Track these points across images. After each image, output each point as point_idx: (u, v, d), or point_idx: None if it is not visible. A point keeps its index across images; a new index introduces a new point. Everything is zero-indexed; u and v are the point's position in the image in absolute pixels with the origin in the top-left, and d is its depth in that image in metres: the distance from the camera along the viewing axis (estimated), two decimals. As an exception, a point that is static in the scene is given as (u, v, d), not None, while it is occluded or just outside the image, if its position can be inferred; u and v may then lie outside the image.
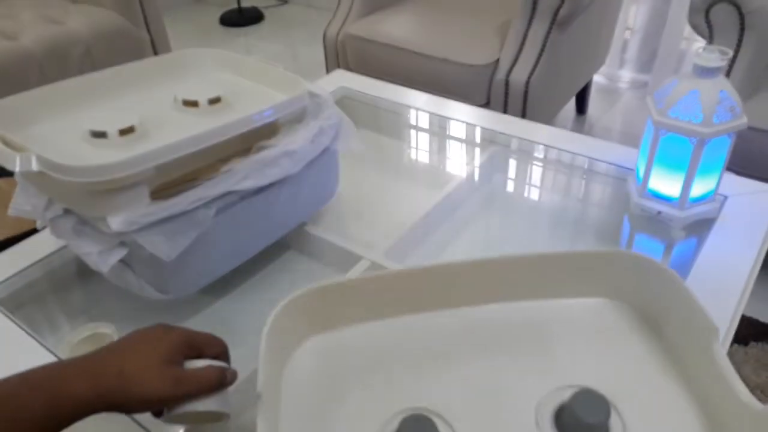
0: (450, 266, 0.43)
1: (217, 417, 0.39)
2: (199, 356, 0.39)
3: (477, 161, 0.80)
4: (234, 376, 0.40)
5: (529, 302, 0.42)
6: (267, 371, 0.39)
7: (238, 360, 0.42)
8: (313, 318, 0.43)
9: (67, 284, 0.63)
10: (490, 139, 0.82)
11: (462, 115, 0.86)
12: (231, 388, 0.40)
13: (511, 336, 0.41)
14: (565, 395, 0.35)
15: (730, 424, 0.32)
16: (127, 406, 0.36)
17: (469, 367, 0.40)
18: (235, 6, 2.71)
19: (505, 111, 1.42)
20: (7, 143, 0.48)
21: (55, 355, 0.50)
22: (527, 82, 1.36)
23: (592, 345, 0.38)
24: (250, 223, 0.56)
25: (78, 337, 0.50)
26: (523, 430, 0.35)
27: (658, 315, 0.40)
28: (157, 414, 0.39)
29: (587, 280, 0.41)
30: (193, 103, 0.56)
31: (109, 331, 0.50)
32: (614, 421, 0.35)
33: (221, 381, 0.38)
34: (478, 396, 0.38)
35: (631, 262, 0.40)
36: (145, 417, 0.45)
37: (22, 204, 0.55)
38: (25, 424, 0.33)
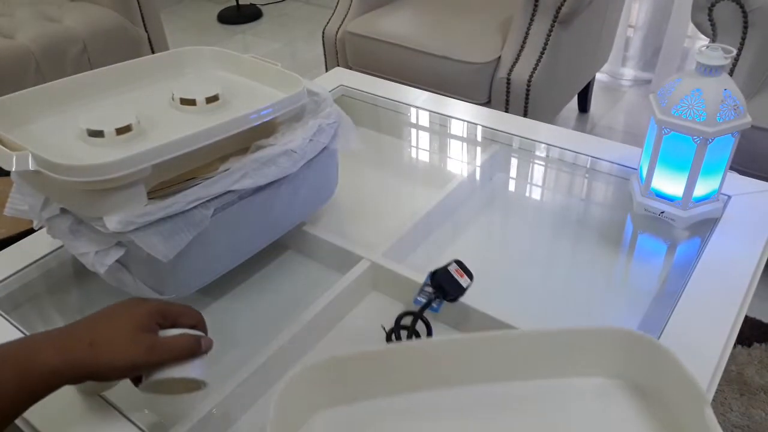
0: (457, 341, 0.43)
1: (194, 386, 0.39)
2: (173, 326, 0.39)
3: (478, 160, 0.79)
4: (209, 344, 0.39)
5: (539, 380, 0.42)
6: None
7: (235, 360, 0.41)
8: (326, 390, 0.42)
9: (63, 285, 0.62)
10: (491, 138, 0.81)
11: (463, 114, 0.85)
12: (211, 366, 0.39)
13: (515, 415, 0.40)
14: None
15: None
16: (99, 374, 0.36)
17: None
18: (233, 3, 2.70)
19: (506, 109, 1.42)
20: (3, 142, 0.48)
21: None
22: (529, 80, 1.36)
23: (591, 424, 0.38)
24: (249, 222, 0.55)
25: None
26: None
27: (654, 388, 0.41)
28: (136, 382, 0.39)
29: (583, 358, 0.41)
30: (191, 102, 0.56)
31: None
32: None
33: (195, 348, 0.38)
34: None
35: (626, 339, 0.40)
36: (142, 417, 0.45)
37: (19, 204, 0.55)
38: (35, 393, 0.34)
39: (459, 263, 0.53)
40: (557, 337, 0.41)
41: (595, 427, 0.37)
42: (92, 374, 0.36)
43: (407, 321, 0.52)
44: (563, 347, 0.41)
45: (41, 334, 0.37)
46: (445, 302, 0.52)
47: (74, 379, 0.35)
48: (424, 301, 0.52)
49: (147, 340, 0.37)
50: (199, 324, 0.41)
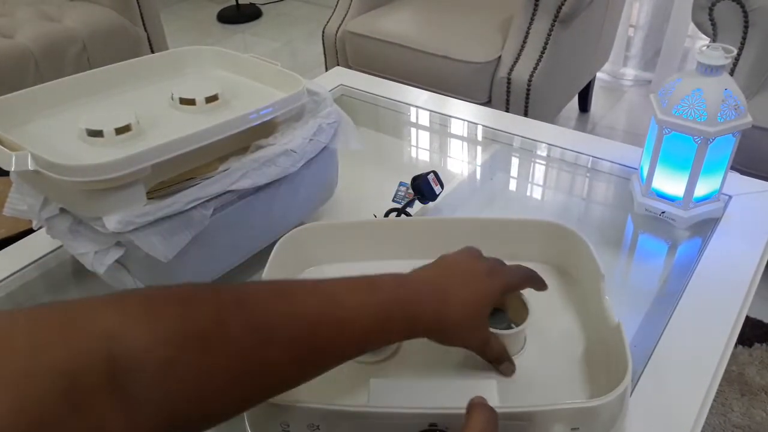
0: (419, 222, 0.57)
1: None
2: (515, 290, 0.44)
3: (478, 160, 0.79)
4: (512, 371, 0.43)
5: None
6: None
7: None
8: (320, 250, 0.52)
9: (62, 285, 0.62)
10: (491, 137, 0.81)
11: (463, 114, 0.85)
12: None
13: None
14: None
15: (603, 336, 0.44)
16: (446, 343, 0.40)
17: None
18: (233, 3, 2.70)
19: (507, 109, 1.42)
20: (2, 142, 0.48)
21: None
22: (529, 80, 1.36)
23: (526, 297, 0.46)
24: (248, 222, 0.55)
25: None
26: None
27: (571, 269, 0.52)
28: None
29: (521, 246, 0.52)
30: (191, 102, 0.56)
31: None
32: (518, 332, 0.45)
33: (507, 370, 0.43)
34: None
35: (552, 229, 0.52)
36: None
37: (18, 204, 0.55)
38: (391, 334, 0.37)
39: (435, 174, 0.64)
40: (503, 225, 0.53)
41: (529, 297, 0.45)
42: (442, 342, 0.40)
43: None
44: (507, 234, 0.52)
45: (418, 279, 0.40)
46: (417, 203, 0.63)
47: (427, 336, 0.39)
48: (404, 202, 0.63)
49: (485, 333, 0.41)
50: (539, 285, 0.45)
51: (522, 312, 0.45)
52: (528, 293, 0.46)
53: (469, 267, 0.42)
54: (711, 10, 1.21)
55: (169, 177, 0.52)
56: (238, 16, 2.67)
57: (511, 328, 0.44)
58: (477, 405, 0.33)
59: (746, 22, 1.18)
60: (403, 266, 0.52)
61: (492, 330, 0.43)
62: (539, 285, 0.45)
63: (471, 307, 0.39)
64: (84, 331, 0.25)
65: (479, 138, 0.83)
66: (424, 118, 0.88)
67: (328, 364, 0.35)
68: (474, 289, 0.40)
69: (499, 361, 0.43)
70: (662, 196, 0.63)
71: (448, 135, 0.86)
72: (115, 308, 0.27)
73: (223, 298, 0.30)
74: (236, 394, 0.30)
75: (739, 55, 1.20)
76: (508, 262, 0.52)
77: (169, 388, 0.26)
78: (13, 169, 0.45)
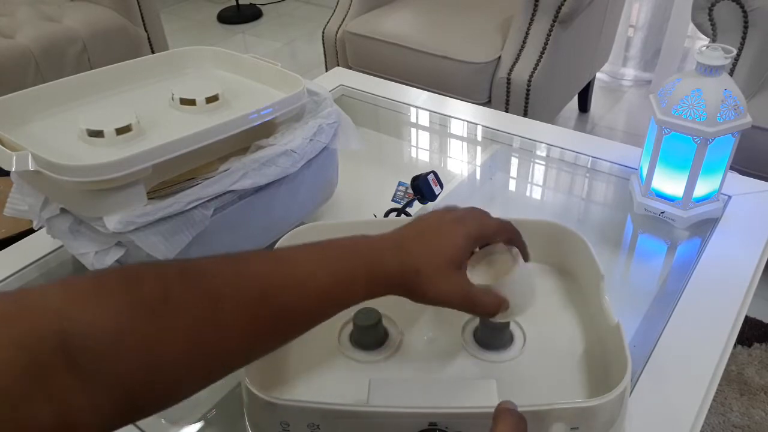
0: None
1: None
2: (487, 243, 0.41)
3: (478, 160, 0.79)
4: (507, 306, 0.40)
5: None
6: None
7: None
8: None
9: (64, 284, 0.62)
10: (491, 137, 0.81)
11: (463, 114, 0.85)
12: None
13: None
14: None
15: (602, 336, 0.44)
16: (413, 299, 0.37)
17: None
18: (233, 3, 2.70)
19: (506, 109, 1.42)
20: (3, 142, 0.48)
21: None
22: (529, 80, 1.36)
23: None
24: (248, 222, 0.55)
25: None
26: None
27: (570, 269, 0.52)
28: None
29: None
30: (191, 102, 0.56)
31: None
32: (517, 332, 0.47)
33: (495, 312, 0.39)
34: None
35: (552, 230, 0.52)
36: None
37: (18, 204, 0.55)
38: (353, 287, 0.35)
39: (435, 174, 0.64)
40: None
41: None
42: (408, 296, 0.37)
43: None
44: None
45: (377, 237, 0.38)
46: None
47: (394, 292, 0.37)
48: (403, 201, 0.63)
49: (462, 285, 0.38)
50: (514, 239, 0.42)
51: (513, 265, 0.41)
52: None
53: (437, 218, 0.40)
54: (710, 10, 1.21)
55: (170, 177, 0.52)
56: (238, 16, 2.67)
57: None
58: (504, 411, 0.31)
59: (746, 22, 1.18)
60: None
61: (481, 284, 0.39)
62: (518, 242, 0.42)
63: (438, 255, 0.37)
64: (36, 310, 0.26)
65: (479, 138, 0.83)
66: (424, 119, 0.88)
67: (287, 329, 0.33)
68: (441, 238, 0.38)
69: (492, 311, 0.39)
70: (662, 196, 0.63)
71: (448, 135, 0.86)
72: (64, 289, 0.27)
73: (166, 270, 0.30)
74: (191, 362, 0.29)
75: (738, 55, 1.20)
76: None
77: (120, 359, 0.27)
78: (13, 169, 0.45)
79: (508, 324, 0.46)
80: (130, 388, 0.27)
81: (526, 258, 0.42)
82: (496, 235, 0.41)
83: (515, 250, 0.41)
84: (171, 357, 0.28)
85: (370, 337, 0.46)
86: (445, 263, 0.37)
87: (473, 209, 0.42)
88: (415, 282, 0.37)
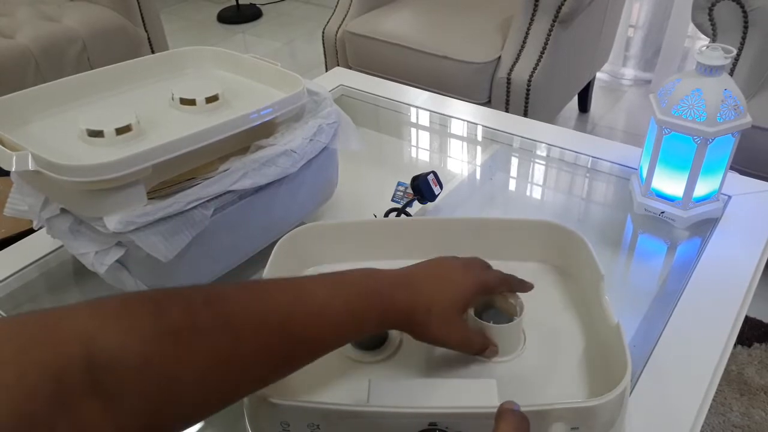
0: (418, 222, 0.58)
1: None
2: (491, 292, 0.45)
3: (478, 160, 0.79)
4: (494, 354, 0.44)
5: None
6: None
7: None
8: (320, 249, 0.52)
9: (63, 285, 0.62)
10: (491, 137, 0.81)
11: (463, 114, 0.85)
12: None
13: None
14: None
15: (602, 336, 0.44)
16: (420, 335, 0.41)
17: None
18: (233, 3, 2.70)
19: (506, 109, 1.42)
20: (3, 143, 0.48)
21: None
22: (529, 80, 1.36)
23: (526, 296, 0.47)
24: (248, 223, 0.55)
25: None
26: None
27: (570, 269, 0.52)
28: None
29: (520, 247, 0.53)
30: (191, 102, 0.56)
31: None
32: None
33: (480, 354, 0.43)
34: None
35: (551, 230, 0.52)
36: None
37: (18, 204, 0.55)
38: (366, 320, 0.37)
39: (435, 174, 0.64)
40: (503, 225, 0.53)
41: (529, 296, 0.45)
42: (412, 332, 0.40)
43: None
44: (507, 234, 0.53)
45: (390, 272, 0.40)
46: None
47: (400, 327, 0.40)
48: (402, 201, 0.63)
49: (463, 329, 0.42)
50: (515, 289, 0.45)
51: (513, 311, 0.45)
52: (526, 294, 0.46)
53: (446, 264, 0.43)
54: (711, 10, 1.21)
55: (170, 177, 0.52)
56: (238, 16, 2.67)
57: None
58: (506, 411, 0.32)
59: (746, 22, 1.18)
60: (403, 266, 0.53)
61: (484, 323, 0.43)
62: (520, 287, 0.46)
63: (447, 299, 0.40)
64: (63, 333, 0.26)
65: (479, 138, 0.83)
66: (424, 119, 0.88)
67: (302, 357, 0.35)
68: (450, 282, 0.41)
69: (481, 352, 0.44)
70: (662, 196, 0.63)
71: (448, 135, 0.86)
72: (92, 311, 0.28)
73: (193, 297, 0.31)
74: (212, 387, 0.30)
75: (738, 55, 1.20)
76: (508, 263, 0.53)
77: (145, 383, 0.27)
78: (13, 170, 0.45)
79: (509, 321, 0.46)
80: (153, 412, 0.28)
81: (526, 289, 0.46)
82: (501, 287, 0.45)
83: (520, 300, 0.45)
84: (193, 383, 0.29)
85: (370, 337, 0.46)
86: (453, 307, 0.40)
87: (476, 259, 0.45)
88: (424, 320, 0.39)
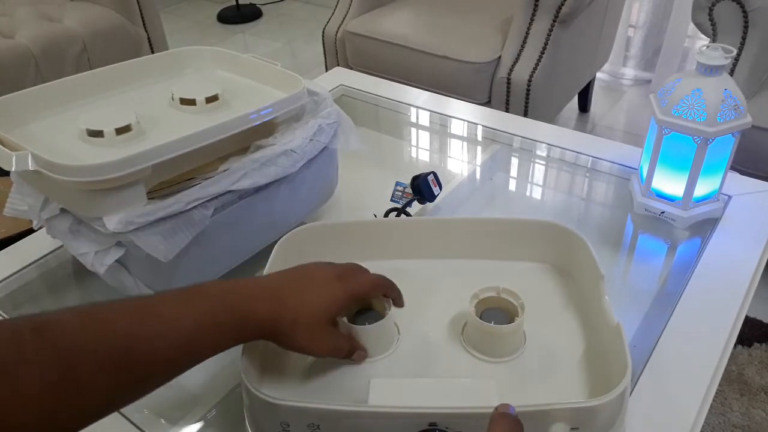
0: (418, 222, 0.57)
1: None
2: (364, 297, 0.44)
3: (478, 160, 0.79)
4: (362, 358, 0.45)
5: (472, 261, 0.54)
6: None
7: (235, 359, 0.41)
8: (320, 249, 0.52)
9: (63, 285, 0.62)
10: (491, 137, 0.81)
11: (463, 114, 0.85)
12: None
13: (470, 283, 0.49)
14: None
15: (602, 336, 0.44)
16: (286, 345, 0.40)
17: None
18: (233, 3, 2.70)
19: (506, 109, 1.42)
20: (2, 142, 0.48)
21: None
22: (529, 80, 1.36)
23: (525, 294, 0.47)
24: (248, 223, 0.55)
25: None
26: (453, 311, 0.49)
27: (570, 269, 0.52)
28: None
29: (520, 247, 0.53)
30: (191, 102, 0.56)
31: None
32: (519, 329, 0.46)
33: (349, 357, 0.44)
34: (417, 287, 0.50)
35: (551, 230, 0.52)
36: (142, 417, 0.45)
37: (18, 204, 0.55)
38: (219, 334, 0.36)
39: (435, 175, 0.64)
40: (502, 225, 0.53)
41: (529, 296, 0.45)
42: (283, 344, 0.40)
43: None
44: (507, 234, 0.53)
45: (252, 283, 0.40)
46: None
47: (268, 338, 0.39)
48: (402, 201, 0.63)
49: (332, 339, 0.42)
50: (389, 292, 0.45)
51: (515, 311, 0.45)
52: (526, 294, 0.46)
53: (318, 271, 0.42)
54: (711, 10, 1.21)
55: (170, 177, 0.52)
56: (238, 16, 2.67)
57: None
58: (500, 415, 0.31)
59: (746, 22, 1.18)
60: (403, 266, 0.53)
61: (486, 323, 0.44)
62: (392, 294, 0.45)
63: (310, 311, 0.39)
64: None
65: (479, 138, 0.83)
66: (424, 119, 0.88)
67: (154, 379, 0.34)
68: (319, 292, 0.40)
69: (349, 356, 0.43)
70: (662, 196, 0.63)
71: (448, 135, 0.86)
72: None
73: (20, 326, 0.30)
74: (46, 425, 0.29)
75: (738, 55, 1.20)
76: (508, 263, 0.53)
77: None
78: (13, 169, 0.45)
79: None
80: None
81: (399, 304, 0.46)
82: (373, 292, 0.44)
83: (521, 301, 0.45)
84: (23, 413, 0.28)
85: (361, 314, 0.46)
86: (321, 317, 0.40)
87: (352, 265, 0.44)
88: (290, 331, 0.39)
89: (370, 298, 0.45)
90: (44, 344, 0.29)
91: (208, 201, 0.50)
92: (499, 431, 0.30)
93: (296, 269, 0.42)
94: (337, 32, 1.59)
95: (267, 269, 0.47)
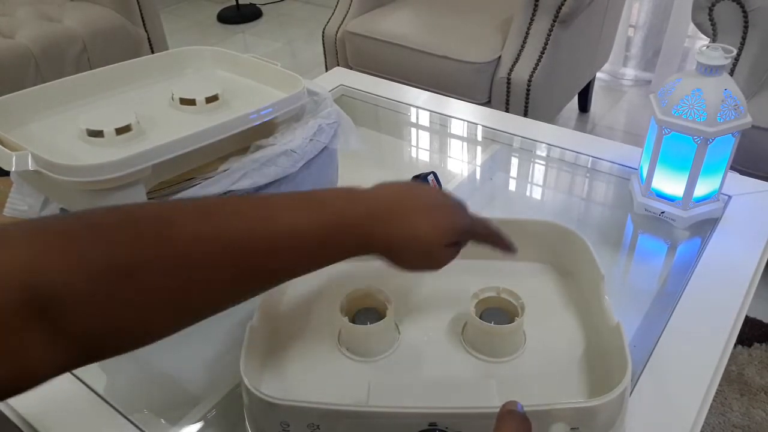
0: None
1: None
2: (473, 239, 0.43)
3: (478, 160, 0.79)
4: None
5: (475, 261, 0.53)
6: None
7: (235, 359, 0.41)
8: None
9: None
10: (491, 137, 0.81)
11: (463, 114, 0.85)
12: None
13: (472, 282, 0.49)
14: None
15: (602, 336, 0.44)
16: (397, 267, 0.39)
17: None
18: (233, 3, 2.70)
19: (506, 109, 1.42)
20: (2, 142, 0.48)
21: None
22: (529, 80, 1.36)
23: (526, 295, 0.47)
24: (249, 223, 0.55)
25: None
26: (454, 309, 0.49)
27: (571, 269, 0.52)
28: None
29: (520, 246, 0.52)
30: (191, 102, 0.56)
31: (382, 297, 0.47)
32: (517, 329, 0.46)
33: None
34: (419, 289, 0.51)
35: (552, 230, 0.52)
36: (142, 417, 0.45)
37: (18, 204, 0.55)
38: (341, 256, 0.36)
39: (435, 175, 0.64)
40: (502, 225, 0.51)
41: (529, 296, 0.46)
42: (389, 262, 0.39)
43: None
44: (507, 234, 0.51)
45: (378, 199, 0.38)
46: None
47: (377, 256, 0.38)
48: None
49: (445, 259, 0.41)
50: (499, 241, 0.44)
51: (515, 311, 0.45)
52: (526, 294, 0.46)
53: (436, 197, 0.41)
54: (711, 10, 1.21)
55: (170, 177, 0.52)
56: (238, 16, 2.67)
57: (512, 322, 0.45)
58: (508, 413, 0.30)
59: (746, 22, 1.18)
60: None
61: (486, 324, 0.44)
62: (503, 245, 0.44)
63: (428, 235, 0.38)
64: (2, 265, 0.25)
65: (479, 138, 0.83)
66: (424, 118, 0.88)
67: (266, 282, 0.34)
68: (436, 218, 0.39)
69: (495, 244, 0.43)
70: (662, 196, 0.63)
71: (448, 135, 0.86)
72: (32, 241, 0.27)
73: (142, 229, 0.30)
74: (161, 318, 0.30)
75: (738, 55, 1.20)
76: (507, 263, 0.54)
77: (90, 319, 0.27)
78: (13, 169, 0.45)
79: (510, 321, 0.46)
80: (96, 345, 0.28)
81: (508, 249, 0.45)
82: (484, 237, 0.44)
83: (521, 301, 0.45)
84: (139, 319, 0.29)
85: (366, 316, 0.46)
86: (434, 244, 0.39)
87: (461, 203, 0.43)
88: (399, 256, 0.39)
89: (478, 241, 0.44)
90: (167, 254, 0.30)
91: (208, 201, 0.50)
92: (507, 430, 0.30)
93: (418, 188, 0.41)
94: (337, 32, 1.59)
95: None
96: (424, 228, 0.38)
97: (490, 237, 0.44)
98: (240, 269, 0.32)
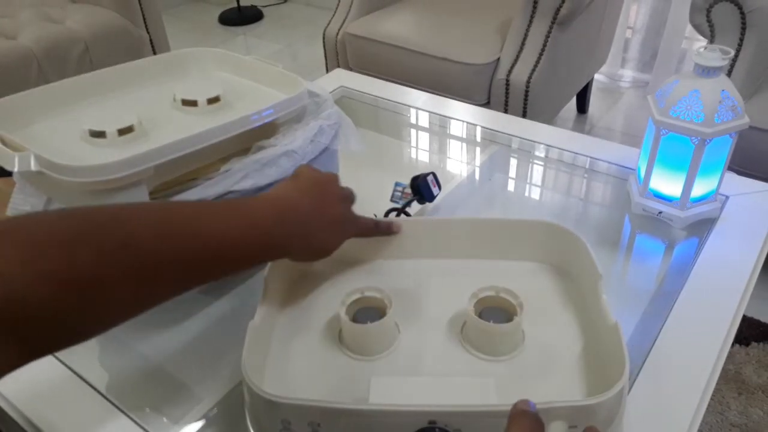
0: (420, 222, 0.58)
1: None
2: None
3: (477, 161, 0.80)
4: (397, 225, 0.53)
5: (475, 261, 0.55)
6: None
7: (235, 359, 0.42)
8: None
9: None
10: (490, 138, 0.81)
11: (462, 115, 0.86)
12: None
13: (469, 282, 0.50)
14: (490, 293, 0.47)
15: (600, 335, 0.45)
16: (295, 260, 0.47)
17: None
18: (235, 5, 2.71)
19: (505, 110, 1.42)
20: (5, 143, 0.48)
21: (57, 358, 0.50)
22: (528, 82, 1.36)
23: (523, 294, 0.48)
24: (250, 223, 0.55)
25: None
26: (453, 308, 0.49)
27: (569, 269, 0.53)
28: None
29: (519, 247, 0.54)
30: (192, 103, 0.56)
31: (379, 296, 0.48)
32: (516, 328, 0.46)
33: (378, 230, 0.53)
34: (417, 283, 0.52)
35: (549, 230, 0.52)
36: (144, 415, 0.45)
37: (21, 204, 0.55)
38: (246, 264, 0.41)
39: (434, 175, 0.65)
40: (501, 225, 0.54)
41: (527, 296, 0.46)
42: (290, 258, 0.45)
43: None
44: (505, 234, 0.54)
45: (279, 217, 0.42)
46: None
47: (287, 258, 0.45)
48: (401, 202, 0.64)
49: (340, 241, 0.46)
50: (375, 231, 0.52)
51: (513, 310, 0.46)
52: (525, 293, 0.46)
53: (327, 193, 0.46)
54: (708, 11, 1.21)
55: (172, 178, 0.52)
56: (239, 18, 2.68)
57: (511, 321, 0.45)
58: (520, 413, 0.30)
59: (743, 23, 1.19)
60: (403, 266, 0.53)
61: (485, 323, 0.44)
62: (386, 229, 0.51)
63: (327, 250, 0.45)
64: None
65: (478, 139, 0.83)
66: (424, 120, 0.89)
67: (208, 281, 0.39)
68: (326, 223, 0.45)
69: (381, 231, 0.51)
70: (659, 197, 0.64)
71: (447, 136, 0.86)
72: (5, 251, 0.28)
73: (104, 243, 0.31)
74: (113, 320, 0.33)
75: (736, 56, 1.21)
76: (506, 262, 0.54)
77: (53, 329, 0.29)
78: (16, 170, 0.45)
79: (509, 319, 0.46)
80: (58, 345, 0.30)
81: (390, 228, 0.52)
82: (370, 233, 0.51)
83: (519, 300, 0.46)
84: (97, 320, 0.31)
85: (367, 314, 0.46)
86: (337, 242, 0.46)
87: (350, 193, 0.49)
88: (299, 254, 0.45)
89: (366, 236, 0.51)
90: (128, 266, 0.32)
91: (209, 201, 0.50)
92: (520, 430, 0.29)
93: (306, 183, 0.45)
94: (337, 34, 1.60)
95: (267, 270, 0.48)
96: (326, 246, 0.45)
97: (374, 231, 0.51)
98: (191, 278, 0.36)
